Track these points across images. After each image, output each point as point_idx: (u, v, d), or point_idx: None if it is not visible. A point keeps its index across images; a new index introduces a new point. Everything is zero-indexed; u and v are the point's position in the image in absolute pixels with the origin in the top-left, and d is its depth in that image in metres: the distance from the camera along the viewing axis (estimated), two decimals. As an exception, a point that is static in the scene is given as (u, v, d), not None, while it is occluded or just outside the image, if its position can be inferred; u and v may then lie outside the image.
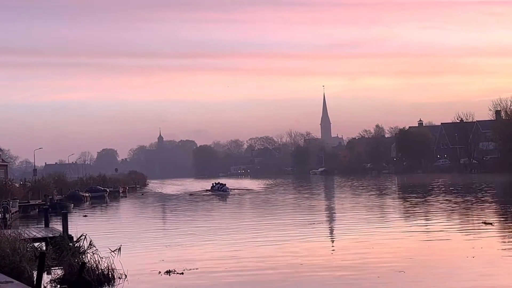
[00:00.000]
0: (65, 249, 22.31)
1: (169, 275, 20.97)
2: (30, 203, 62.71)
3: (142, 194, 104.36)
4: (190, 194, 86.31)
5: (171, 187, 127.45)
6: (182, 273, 21.10)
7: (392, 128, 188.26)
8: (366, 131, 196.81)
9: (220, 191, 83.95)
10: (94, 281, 19.40)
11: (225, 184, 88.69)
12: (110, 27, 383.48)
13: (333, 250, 26.22)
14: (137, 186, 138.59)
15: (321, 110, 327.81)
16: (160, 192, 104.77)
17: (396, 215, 41.30)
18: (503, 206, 43.49)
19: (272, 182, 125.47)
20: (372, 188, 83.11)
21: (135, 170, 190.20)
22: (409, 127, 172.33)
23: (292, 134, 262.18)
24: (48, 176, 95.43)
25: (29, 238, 23.56)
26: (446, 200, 52.41)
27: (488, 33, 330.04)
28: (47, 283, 19.23)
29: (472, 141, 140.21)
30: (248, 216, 46.96)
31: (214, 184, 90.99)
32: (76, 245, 22.78)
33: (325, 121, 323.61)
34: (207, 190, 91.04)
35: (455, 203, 48.75)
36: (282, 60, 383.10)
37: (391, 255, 23.66)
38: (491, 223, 32.11)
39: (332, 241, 29.64)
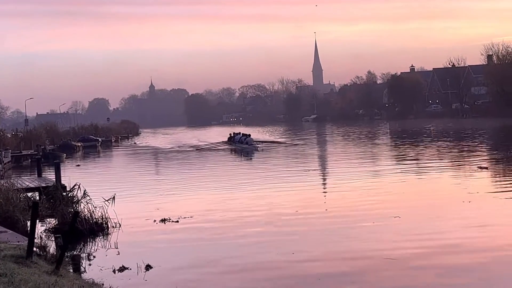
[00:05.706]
0: (58, 198, 22.14)
1: (164, 223, 20.84)
2: (23, 153, 62.47)
3: (135, 143, 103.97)
4: (198, 149, 66.71)
5: (164, 137, 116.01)
6: (177, 221, 20.98)
7: (384, 74, 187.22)
8: (358, 77, 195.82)
9: (241, 144, 64.63)
10: (87, 230, 19.28)
11: (249, 135, 67.01)
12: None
13: (328, 197, 26.14)
14: (129, 135, 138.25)
15: (313, 57, 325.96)
16: (154, 147, 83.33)
17: (389, 161, 41.22)
18: (496, 151, 43.50)
19: (283, 129, 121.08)
20: (365, 134, 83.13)
21: (127, 119, 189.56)
22: (401, 73, 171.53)
23: (284, 82, 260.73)
24: (40, 126, 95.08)
25: (22, 188, 23.35)
26: (440, 145, 52.44)
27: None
28: (41, 232, 19.05)
29: (464, 86, 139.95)
30: (245, 165, 46.86)
31: (233, 135, 71.31)
32: (69, 194, 22.58)
33: (317, 68, 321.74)
34: (224, 142, 72.03)
35: (449, 148, 48.79)
36: (273, 7, 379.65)
37: (386, 200, 23.57)
38: (486, 168, 32.11)
39: (327, 188, 29.53)
